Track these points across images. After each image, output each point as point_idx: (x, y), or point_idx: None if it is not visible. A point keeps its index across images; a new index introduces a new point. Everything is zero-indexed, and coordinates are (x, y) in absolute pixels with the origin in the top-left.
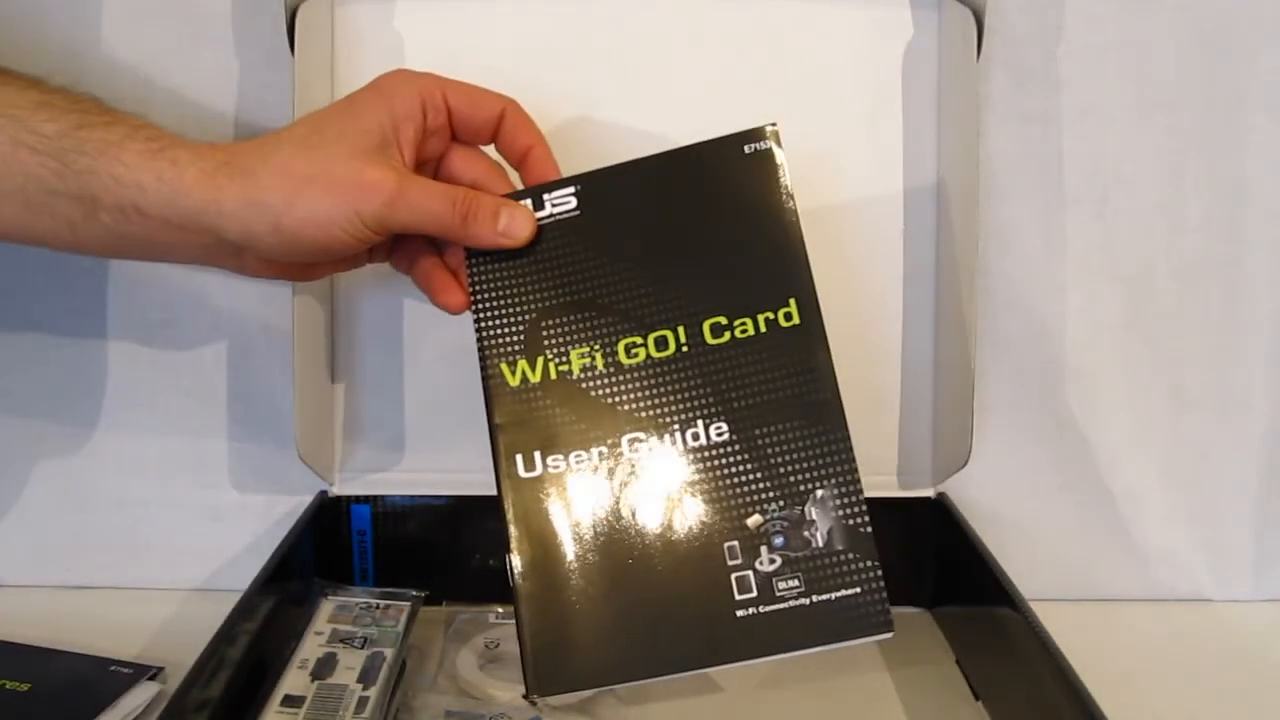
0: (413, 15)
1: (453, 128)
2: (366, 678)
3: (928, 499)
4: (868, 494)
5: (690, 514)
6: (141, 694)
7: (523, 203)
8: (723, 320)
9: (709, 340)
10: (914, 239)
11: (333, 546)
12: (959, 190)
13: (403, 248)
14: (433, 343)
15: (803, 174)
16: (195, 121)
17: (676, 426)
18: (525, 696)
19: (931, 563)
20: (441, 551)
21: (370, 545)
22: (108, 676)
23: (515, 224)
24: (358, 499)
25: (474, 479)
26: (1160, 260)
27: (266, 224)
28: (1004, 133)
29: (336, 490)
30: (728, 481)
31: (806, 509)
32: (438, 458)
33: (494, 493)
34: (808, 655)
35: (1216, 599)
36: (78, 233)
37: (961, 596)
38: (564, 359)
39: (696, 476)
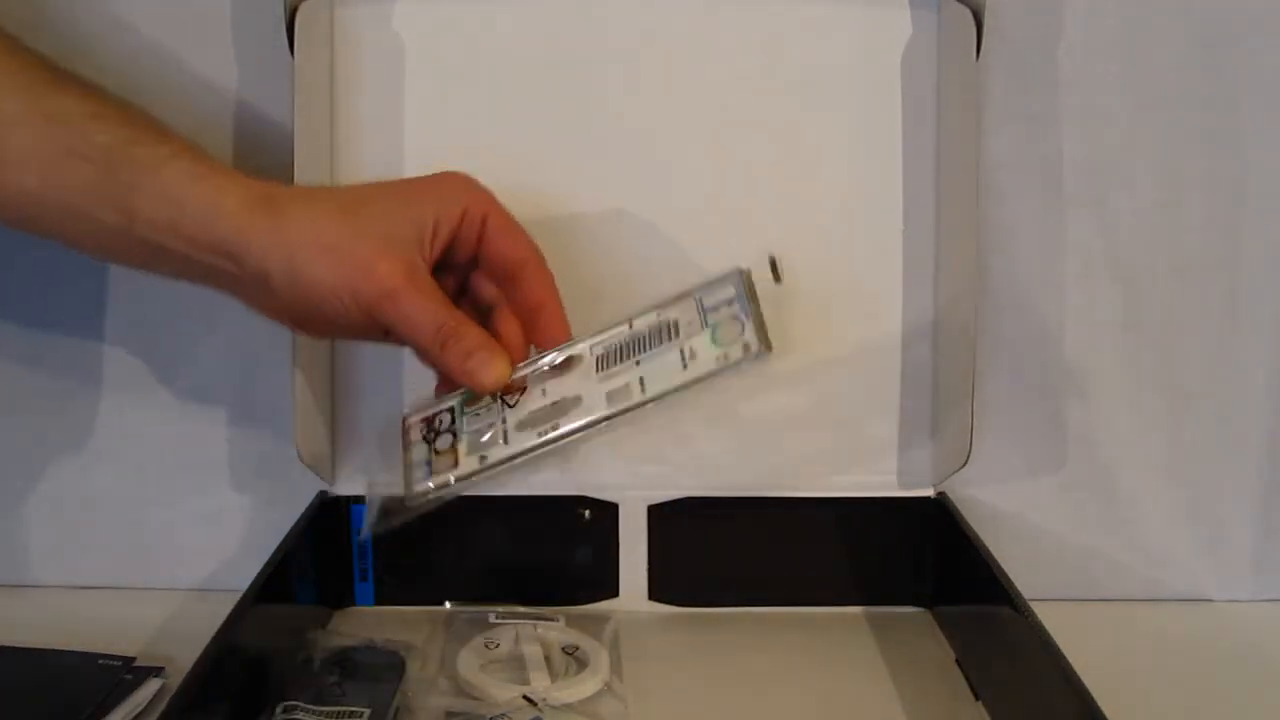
0: (413, 16)
1: (478, 251)
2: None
3: (928, 499)
4: (868, 494)
5: None
6: (142, 693)
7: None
8: None
9: None
10: (914, 239)
11: (333, 546)
12: (958, 190)
13: None
14: None
15: (802, 174)
16: (195, 121)
17: None
18: None
19: (931, 563)
20: (441, 551)
21: (370, 545)
22: (108, 676)
23: (483, 370)
24: (358, 499)
25: None
26: (1160, 260)
27: (282, 270)
28: (1004, 133)
29: (336, 490)
30: None
31: None
32: None
33: (494, 493)
34: None
35: (1216, 599)
36: (112, 240)
37: (961, 596)
38: None
39: None
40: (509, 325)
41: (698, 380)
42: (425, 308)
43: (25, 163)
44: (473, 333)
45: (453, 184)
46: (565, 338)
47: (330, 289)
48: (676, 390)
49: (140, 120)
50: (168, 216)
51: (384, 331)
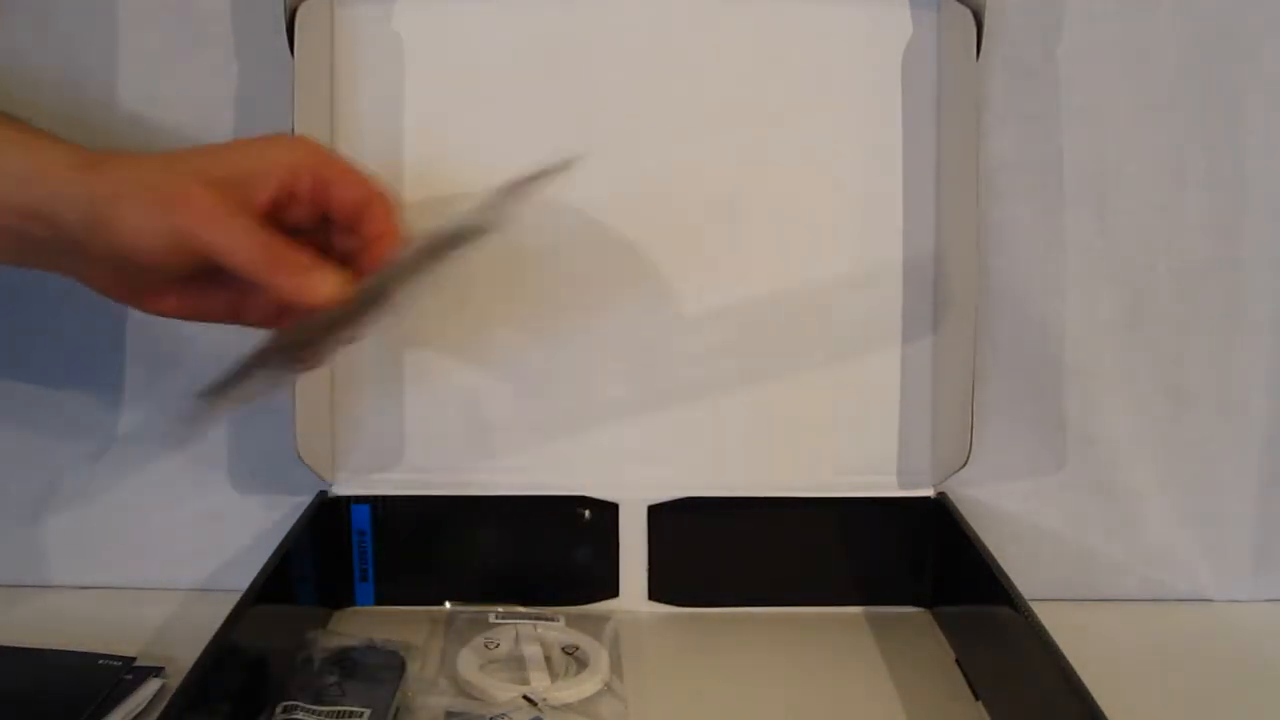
0: (412, 15)
1: (327, 209)
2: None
3: (928, 499)
4: (867, 494)
5: None
6: (142, 693)
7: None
8: None
9: None
10: (914, 239)
11: (333, 546)
12: (959, 190)
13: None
14: (433, 343)
15: (802, 174)
16: (195, 121)
17: None
18: None
19: (931, 563)
20: (441, 551)
21: (370, 545)
22: (108, 676)
23: (315, 285)
24: (358, 499)
25: (474, 479)
26: (1160, 260)
27: (95, 217)
28: (1004, 133)
29: (336, 490)
30: None
31: None
32: (438, 458)
33: (494, 493)
34: None
35: (1216, 599)
36: None
37: (961, 596)
38: None
39: None
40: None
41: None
42: (246, 228)
43: None
44: (303, 252)
45: (282, 142)
46: (392, 230)
47: (140, 228)
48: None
49: None
50: None
51: (207, 278)
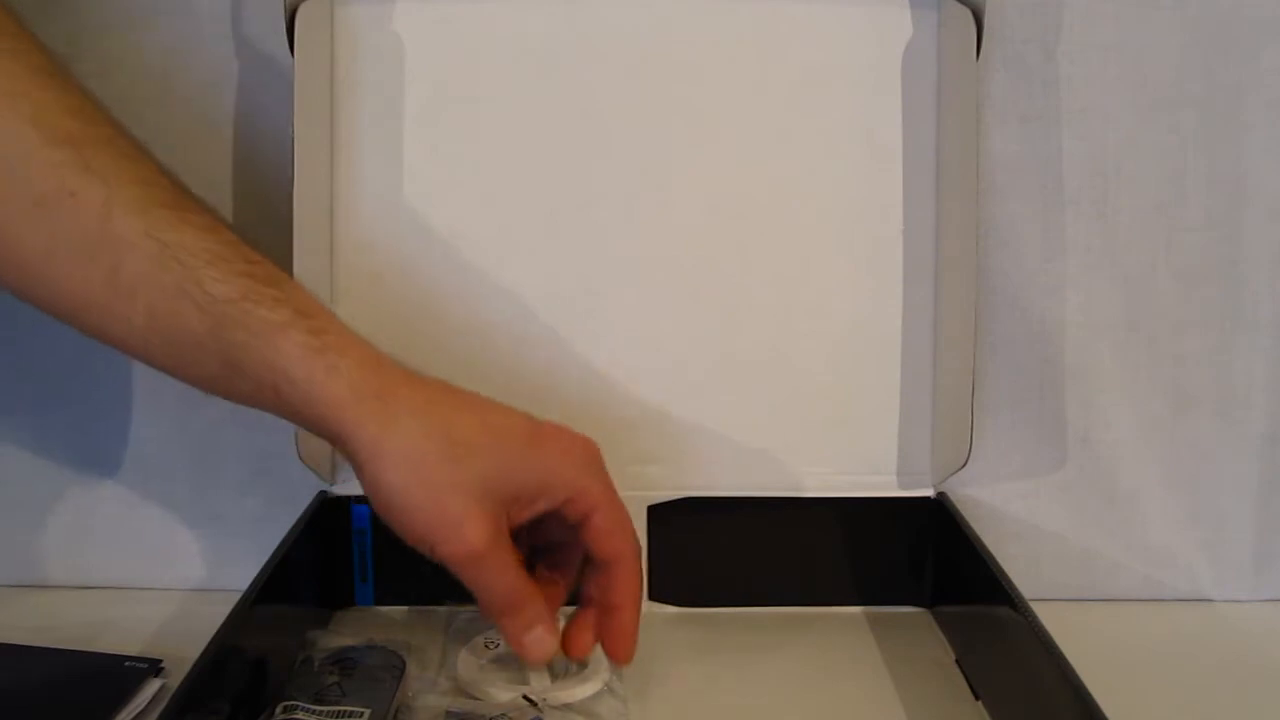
0: (413, 15)
1: (578, 528)
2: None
3: (927, 499)
4: (868, 494)
5: None
6: (142, 693)
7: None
8: None
9: None
10: (914, 239)
11: (333, 546)
12: (958, 190)
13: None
14: (433, 342)
15: (802, 174)
16: (195, 121)
17: None
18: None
19: (931, 562)
20: None
21: (370, 545)
22: (121, 673)
23: (536, 648)
24: (358, 499)
25: None
26: (1160, 260)
27: (369, 485)
28: (1004, 132)
29: (336, 490)
30: None
31: None
32: None
33: None
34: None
35: (1216, 599)
36: (215, 384)
37: (961, 596)
38: None
39: None
40: (569, 577)
41: None
42: (502, 578)
43: (135, 294)
44: (537, 607)
45: (573, 460)
46: (624, 656)
47: (411, 533)
48: None
49: (258, 269)
50: (273, 383)
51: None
